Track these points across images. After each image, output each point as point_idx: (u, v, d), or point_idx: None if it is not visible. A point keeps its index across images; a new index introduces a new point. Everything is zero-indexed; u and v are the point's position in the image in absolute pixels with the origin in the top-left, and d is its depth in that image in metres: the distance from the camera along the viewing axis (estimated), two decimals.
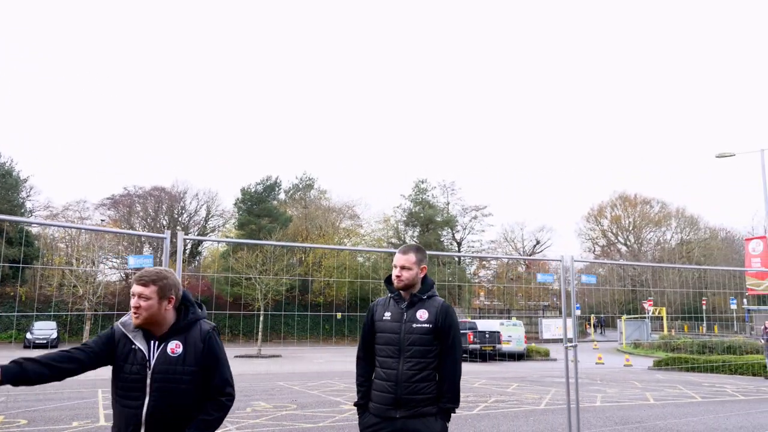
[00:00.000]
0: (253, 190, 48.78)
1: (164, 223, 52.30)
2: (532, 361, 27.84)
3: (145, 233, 9.73)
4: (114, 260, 43.69)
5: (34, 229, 41.37)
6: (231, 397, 2.71)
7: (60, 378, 2.51)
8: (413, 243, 4.04)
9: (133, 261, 5.81)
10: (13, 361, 2.35)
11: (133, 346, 2.60)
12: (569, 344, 7.91)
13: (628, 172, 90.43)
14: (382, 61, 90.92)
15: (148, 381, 2.54)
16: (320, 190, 57.72)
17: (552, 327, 42.71)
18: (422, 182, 55.40)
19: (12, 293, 35.47)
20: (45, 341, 30.70)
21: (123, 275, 42.12)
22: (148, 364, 2.56)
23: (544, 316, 46.92)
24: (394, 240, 53.58)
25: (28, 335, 31.29)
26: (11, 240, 34.24)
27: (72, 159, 72.59)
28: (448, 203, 57.65)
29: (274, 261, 34.74)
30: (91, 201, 49.88)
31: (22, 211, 41.50)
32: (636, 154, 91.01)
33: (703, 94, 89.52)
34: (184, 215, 54.68)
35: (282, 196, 54.30)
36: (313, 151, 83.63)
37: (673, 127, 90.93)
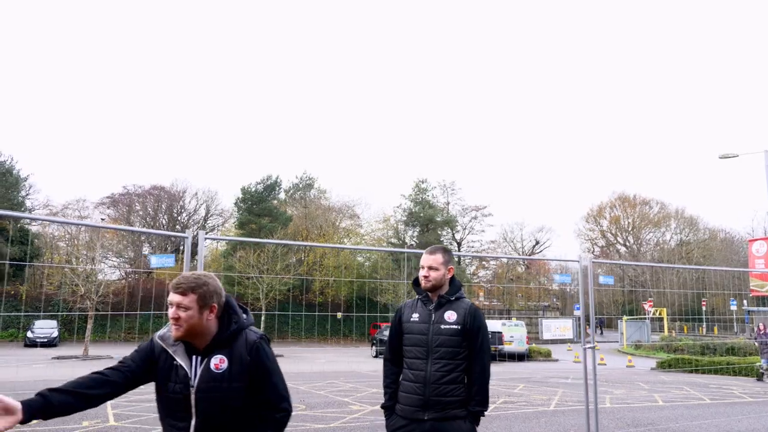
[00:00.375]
0: (253, 189, 48.71)
1: (164, 222, 52.21)
2: (534, 362, 27.85)
3: (167, 232, 9.68)
4: (114, 259, 43.62)
5: (34, 228, 41.30)
6: (287, 413, 2.46)
7: (93, 405, 2.28)
8: (440, 244, 4.03)
9: (155, 261, 5.73)
10: (38, 394, 2.13)
11: (174, 362, 2.37)
12: (587, 345, 7.83)
13: (627, 173, 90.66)
14: (382, 61, 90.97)
15: (193, 401, 2.32)
16: (320, 190, 57.66)
17: (552, 327, 42.69)
18: (422, 182, 55.27)
19: (12, 292, 35.36)
20: (46, 340, 30.81)
21: (123, 274, 42.02)
22: (190, 382, 2.33)
23: (544, 317, 46.92)
24: (393, 240, 53.47)
25: (29, 334, 31.32)
26: (12, 239, 34.13)
27: (71, 157, 72.42)
28: (448, 203, 57.62)
29: (275, 260, 34.73)
30: (91, 200, 49.78)
31: (22, 209, 41.42)
32: (635, 155, 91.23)
33: (704, 95, 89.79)
34: (184, 214, 54.57)
35: (282, 195, 54.21)
36: (313, 151, 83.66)
37: (671, 128, 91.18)
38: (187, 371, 2.35)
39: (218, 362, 2.35)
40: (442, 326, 3.41)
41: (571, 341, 41.14)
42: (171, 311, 2.33)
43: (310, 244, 40.47)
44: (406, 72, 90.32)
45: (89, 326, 25.48)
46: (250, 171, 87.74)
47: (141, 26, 79.84)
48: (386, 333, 27.14)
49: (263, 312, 30.86)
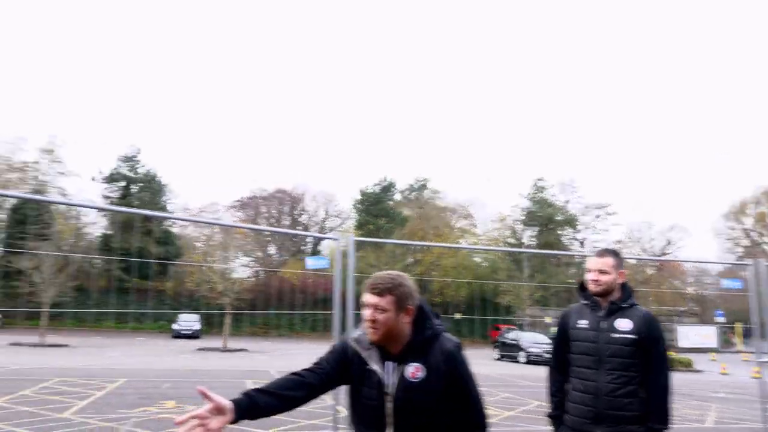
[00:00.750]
0: (370, 191, 50.02)
1: (287, 223, 55.02)
2: (674, 371, 25.81)
3: (318, 234, 10.05)
4: (244, 258, 46.59)
5: (175, 230, 45.29)
6: (484, 428, 2.34)
7: (293, 407, 2.23)
8: (608, 247, 3.83)
9: (310, 262, 5.93)
10: (244, 394, 2.12)
11: (367, 367, 2.26)
12: (763, 359, 6.99)
13: None
14: (494, 57, 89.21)
15: (389, 411, 2.22)
16: (433, 190, 57.87)
17: (691, 334, 39.47)
18: (540, 180, 53.98)
19: (161, 288, 39.08)
20: (190, 332, 33.74)
21: (254, 273, 44.77)
22: (385, 389, 2.23)
23: (680, 323, 43.50)
24: (511, 240, 52.51)
25: (175, 326, 34.37)
26: (158, 240, 37.73)
27: (203, 164, 78.27)
28: (567, 201, 55.44)
29: (394, 260, 35.28)
30: (222, 203, 53.48)
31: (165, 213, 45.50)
32: None
33: None
34: (304, 216, 57.18)
35: (397, 196, 55.07)
36: (427, 152, 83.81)
37: None
38: (382, 378, 2.24)
39: (414, 371, 2.23)
40: (614, 335, 3.25)
41: (715, 350, 37.82)
42: (367, 313, 2.20)
43: (441, 245, 40.37)
44: (520, 69, 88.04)
45: (227, 321, 27.36)
46: (365, 173, 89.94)
47: (258, 36, 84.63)
48: (508, 336, 26.32)
49: None
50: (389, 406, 2.21)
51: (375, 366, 2.26)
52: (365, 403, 2.26)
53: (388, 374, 2.24)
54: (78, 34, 75.73)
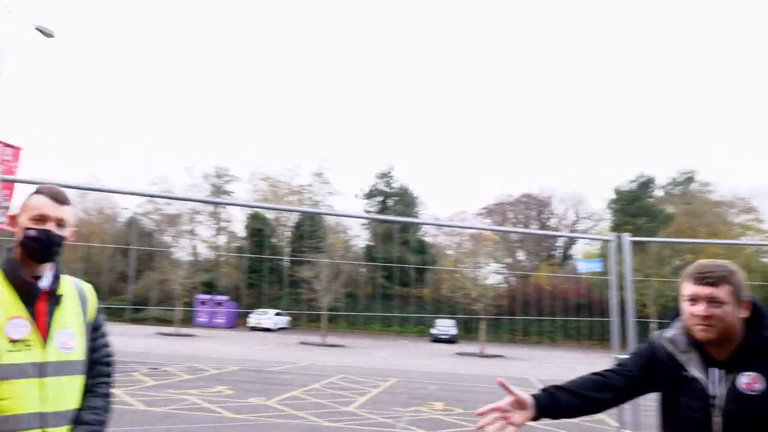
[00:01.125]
0: (625, 188, 46.46)
1: (535, 227, 53.98)
2: None
3: (590, 236, 9.55)
4: (493, 264, 46.95)
5: (428, 239, 47.80)
6: None
7: (596, 410, 2.06)
8: None
9: (583, 266, 5.54)
10: (544, 390, 2.02)
11: (684, 373, 1.96)
12: None
13: None
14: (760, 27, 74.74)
15: (717, 427, 1.89)
16: (702, 183, 51.00)
17: None
18: None
19: (419, 294, 41.64)
20: (447, 337, 35.20)
21: (503, 279, 44.86)
22: (712, 401, 1.90)
23: None
24: None
25: (433, 330, 36.24)
26: (414, 249, 40.24)
27: (447, 173, 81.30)
28: None
29: (660, 263, 31.83)
30: (469, 211, 54.77)
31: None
32: None
33: None
34: (552, 219, 55.45)
35: (658, 192, 49.93)
36: (691, 140, 74.02)
37: None
38: (706, 387, 1.92)
39: (751, 381, 1.86)
40: None
41: None
42: (700, 308, 1.88)
43: (727, 242, 35.09)
44: None
45: (483, 327, 27.70)
46: (618, 170, 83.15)
47: (495, 46, 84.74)
48: None
49: (655, 320, 28.51)
50: (717, 420, 1.90)
51: (696, 372, 1.96)
52: (684, 416, 1.97)
53: (713, 383, 1.93)
54: (336, 73, 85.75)
